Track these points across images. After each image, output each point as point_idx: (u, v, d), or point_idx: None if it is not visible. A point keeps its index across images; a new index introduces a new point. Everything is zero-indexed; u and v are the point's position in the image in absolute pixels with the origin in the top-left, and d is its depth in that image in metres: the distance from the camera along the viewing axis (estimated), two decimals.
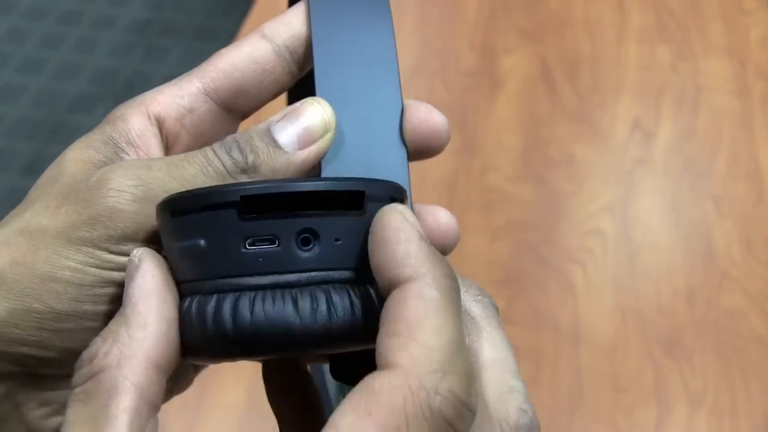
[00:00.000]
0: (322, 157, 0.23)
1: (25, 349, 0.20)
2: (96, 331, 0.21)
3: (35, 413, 0.21)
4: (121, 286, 0.20)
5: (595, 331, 0.64)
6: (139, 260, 0.19)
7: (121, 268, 0.20)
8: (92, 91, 1.93)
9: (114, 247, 0.20)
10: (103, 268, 0.20)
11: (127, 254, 0.20)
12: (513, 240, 0.70)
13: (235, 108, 0.25)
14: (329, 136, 0.22)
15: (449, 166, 0.75)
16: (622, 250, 0.69)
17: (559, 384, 0.61)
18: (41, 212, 0.21)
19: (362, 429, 0.16)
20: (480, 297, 0.22)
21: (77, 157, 0.22)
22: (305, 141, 0.22)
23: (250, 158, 0.21)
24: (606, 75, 0.84)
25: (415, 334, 0.17)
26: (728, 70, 0.84)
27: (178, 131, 0.24)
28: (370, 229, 0.19)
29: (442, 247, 0.25)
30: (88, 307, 0.20)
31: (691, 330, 0.64)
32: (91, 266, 0.20)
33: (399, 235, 0.19)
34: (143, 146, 0.23)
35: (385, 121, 0.25)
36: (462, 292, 0.22)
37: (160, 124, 0.24)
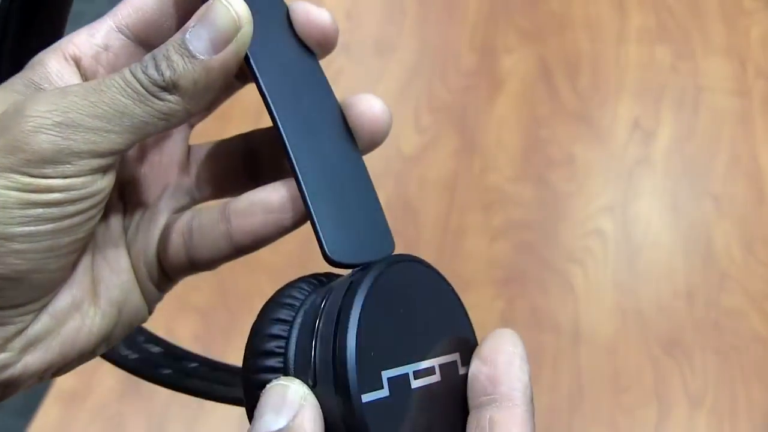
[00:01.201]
0: (243, 56, 0.22)
1: None
2: (26, 254, 0.21)
3: None
4: (44, 206, 0.21)
5: (595, 331, 0.64)
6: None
7: (42, 190, 0.20)
8: None
9: (33, 171, 0.20)
10: (25, 191, 0.20)
11: (47, 177, 0.20)
12: (513, 240, 0.70)
13: (149, 42, 0.24)
14: (245, 31, 0.22)
15: (449, 166, 0.75)
16: (622, 250, 0.69)
17: (559, 384, 0.61)
18: None
19: None
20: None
21: None
22: (219, 43, 0.21)
23: (167, 74, 0.21)
24: (606, 75, 0.84)
25: None
26: (728, 70, 0.84)
27: (96, 69, 0.24)
28: (491, 340, 0.22)
29: (375, 134, 0.25)
30: (14, 228, 0.20)
31: (691, 330, 0.64)
32: (11, 190, 0.20)
33: (520, 361, 0.22)
34: (64, 85, 0.23)
35: (330, 121, 0.25)
36: None
37: (77, 63, 0.24)
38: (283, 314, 0.21)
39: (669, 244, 0.70)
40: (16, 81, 0.23)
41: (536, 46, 0.87)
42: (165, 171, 0.27)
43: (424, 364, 0.21)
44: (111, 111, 0.21)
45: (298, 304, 0.21)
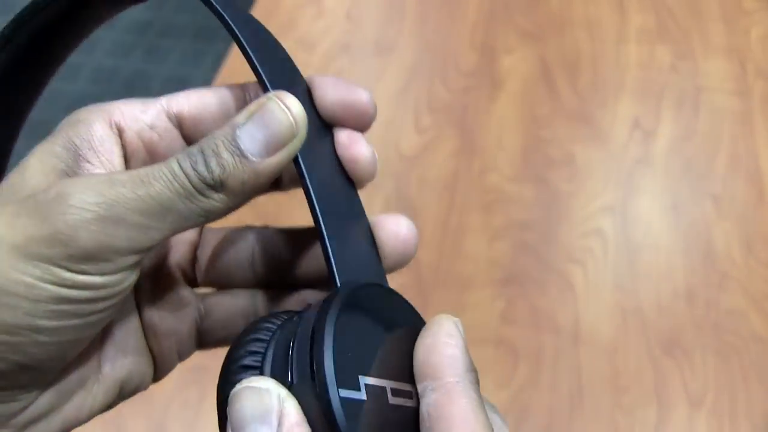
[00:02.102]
0: (292, 159, 0.21)
1: None
2: (48, 346, 0.20)
3: None
4: (76, 302, 0.20)
5: (595, 331, 0.64)
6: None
7: (79, 287, 0.20)
8: (92, 91, 1.93)
9: (73, 266, 0.20)
10: (61, 286, 0.20)
11: (85, 273, 0.20)
12: (513, 240, 0.70)
13: (194, 138, 0.24)
14: (300, 136, 0.21)
15: (449, 166, 0.75)
16: (622, 250, 0.69)
17: (559, 384, 0.61)
18: None
19: None
20: (495, 412, 0.24)
21: (38, 167, 0.21)
22: (273, 147, 0.21)
23: (217, 172, 0.20)
24: (606, 75, 0.84)
25: (469, 427, 0.19)
26: (728, 70, 0.84)
27: (137, 145, 0.23)
28: (424, 331, 0.21)
29: (402, 256, 0.26)
30: (43, 322, 0.20)
31: (691, 330, 0.64)
32: (47, 283, 0.19)
33: (450, 340, 0.21)
34: (105, 153, 0.22)
35: (363, 234, 0.25)
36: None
37: (120, 134, 0.23)
38: (259, 335, 0.21)
39: (669, 244, 0.70)
40: (56, 141, 0.22)
41: (536, 46, 0.87)
42: (177, 248, 0.27)
43: (404, 386, 0.21)
44: (156, 206, 0.20)
45: (273, 326, 0.21)
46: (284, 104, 0.21)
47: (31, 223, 0.19)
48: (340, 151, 0.24)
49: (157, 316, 0.26)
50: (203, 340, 0.27)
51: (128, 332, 0.25)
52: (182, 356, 0.27)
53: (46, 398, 0.22)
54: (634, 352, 0.63)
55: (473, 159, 0.76)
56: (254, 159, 0.20)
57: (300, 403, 0.19)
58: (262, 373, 0.20)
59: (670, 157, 0.76)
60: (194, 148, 0.21)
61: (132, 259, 0.20)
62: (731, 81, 0.83)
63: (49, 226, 0.19)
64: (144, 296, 0.26)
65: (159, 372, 0.27)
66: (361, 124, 0.25)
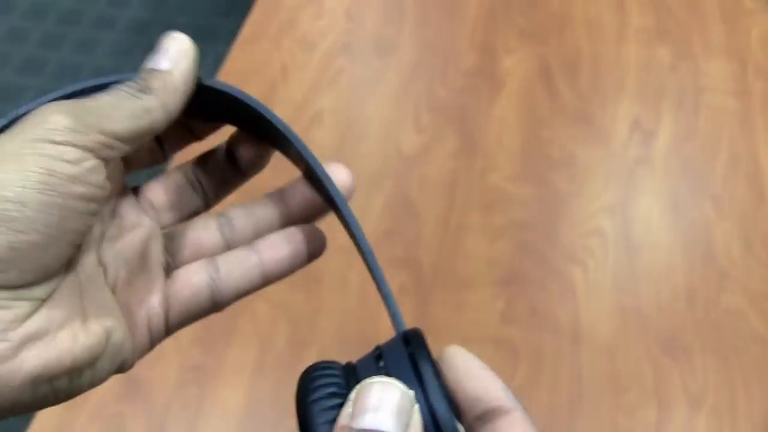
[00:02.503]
0: (195, 69, 0.28)
1: None
2: (36, 223, 0.22)
3: None
4: (68, 179, 0.23)
5: (595, 331, 0.64)
6: None
7: (63, 159, 0.23)
8: None
9: (58, 138, 0.23)
10: (46, 156, 0.23)
11: (68, 144, 0.23)
12: (513, 240, 0.70)
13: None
14: (192, 52, 0.28)
15: (449, 166, 0.75)
16: (622, 250, 0.69)
17: (559, 384, 0.61)
18: None
19: None
20: None
21: None
22: (174, 58, 0.28)
23: (141, 83, 0.27)
24: (606, 75, 0.84)
25: None
26: (728, 70, 0.84)
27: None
28: (450, 364, 0.24)
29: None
30: (31, 193, 0.22)
31: (691, 330, 0.64)
32: (34, 155, 0.23)
33: (487, 372, 0.24)
34: None
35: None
36: None
37: None
38: (328, 380, 0.23)
39: (669, 244, 0.70)
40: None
41: (536, 46, 0.87)
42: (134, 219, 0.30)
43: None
44: (107, 105, 0.25)
45: (336, 372, 0.24)
46: (171, 35, 0.28)
47: (18, 127, 0.24)
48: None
49: (127, 291, 0.28)
50: (171, 317, 0.30)
51: (104, 299, 0.27)
52: (153, 335, 0.29)
53: (39, 318, 0.23)
54: (634, 352, 0.63)
55: (473, 159, 0.76)
56: (164, 68, 0.27)
57: None
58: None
59: (670, 157, 0.76)
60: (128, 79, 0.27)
61: (102, 138, 0.24)
62: (731, 81, 0.83)
63: (32, 120, 0.24)
64: (113, 275, 0.28)
65: (135, 345, 0.29)
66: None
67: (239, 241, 0.31)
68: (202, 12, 2.06)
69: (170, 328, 0.30)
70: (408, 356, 0.23)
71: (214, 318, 0.68)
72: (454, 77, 0.84)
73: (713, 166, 0.76)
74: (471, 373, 0.24)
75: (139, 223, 0.30)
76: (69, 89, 0.28)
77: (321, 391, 0.22)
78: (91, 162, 0.24)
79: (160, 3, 2.14)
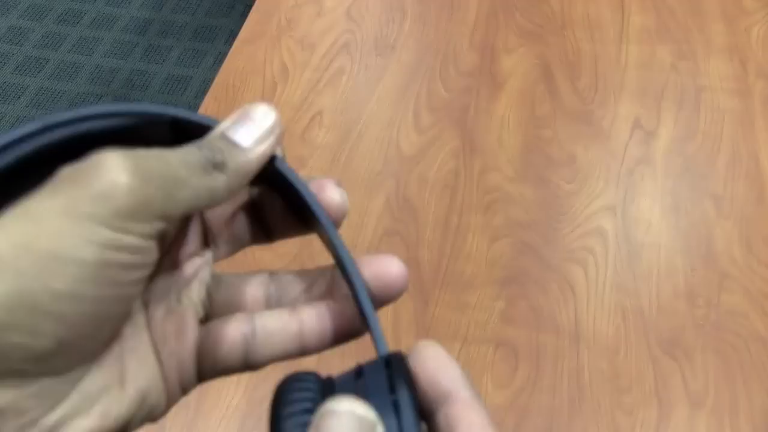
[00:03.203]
0: (276, 148, 0.26)
1: (15, 337, 0.20)
2: (93, 318, 0.21)
3: (10, 423, 0.21)
4: (117, 268, 0.21)
5: (596, 331, 0.64)
6: None
7: (124, 249, 0.21)
8: (92, 91, 1.93)
9: (118, 224, 0.21)
10: (106, 247, 0.21)
11: (129, 233, 0.21)
12: (513, 240, 0.70)
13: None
14: (278, 132, 0.26)
15: (449, 166, 0.75)
16: (622, 250, 0.69)
17: (559, 384, 0.61)
18: (38, 196, 0.21)
19: None
20: None
21: None
22: (259, 138, 0.25)
23: (219, 156, 0.24)
24: (606, 75, 0.84)
25: None
26: (729, 69, 0.84)
27: None
28: (419, 357, 0.23)
29: (392, 294, 0.27)
30: (88, 289, 0.20)
31: (691, 330, 0.64)
32: (93, 244, 0.20)
33: (451, 362, 0.23)
34: None
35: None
36: None
37: None
38: (303, 394, 0.23)
39: (669, 244, 0.70)
40: None
41: (536, 46, 0.87)
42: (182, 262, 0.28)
43: None
44: (175, 177, 0.23)
45: (311, 385, 0.23)
46: (263, 107, 0.26)
47: (73, 187, 0.21)
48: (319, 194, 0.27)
49: (161, 334, 0.26)
50: (202, 368, 0.28)
51: (142, 347, 0.26)
52: (184, 384, 0.27)
53: (74, 398, 0.22)
54: (635, 352, 0.63)
55: (473, 159, 0.76)
56: (245, 146, 0.25)
57: None
58: None
59: (670, 157, 0.76)
60: (195, 144, 0.24)
61: (161, 225, 0.22)
62: (731, 81, 0.83)
63: (92, 186, 0.21)
64: (151, 315, 0.27)
65: (168, 398, 0.27)
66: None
67: (282, 302, 0.29)
68: (202, 12, 2.06)
69: (200, 379, 0.28)
70: (387, 380, 0.22)
71: None
72: (454, 77, 0.84)
73: (713, 166, 0.76)
74: (432, 359, 0.23)
75: (197, 253, 0.28)
76: (85, 111, 0.25)
77: (295, 406, 0.22)
78: (150, 244, 0.22)
79: (160, 3, 2.14)
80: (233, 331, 0.27)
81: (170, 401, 0.27)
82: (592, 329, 0.64)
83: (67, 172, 0.22)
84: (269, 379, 0.61)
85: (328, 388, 0.23)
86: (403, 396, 0.22)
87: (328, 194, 0.27)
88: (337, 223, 0.27)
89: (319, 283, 0.29)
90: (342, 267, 0.26)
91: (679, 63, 0.85)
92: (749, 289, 0.66)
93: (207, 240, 0.29)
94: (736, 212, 0.72)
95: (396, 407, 0.21)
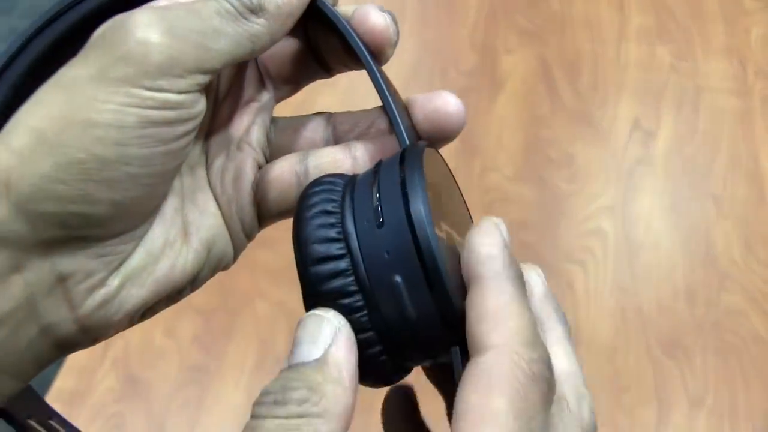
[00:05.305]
0: None
1: (72, 207, 0.20)
2: (145, 178, 0.21)
3: (80, 287, 0.21)
4: (160, 125, 0.21)
5: (595, 331, 0.64)
6: (339, 330, 0.21)
7: (161, 106, 0.21)
8: None
9: (150, 83, 0.20)
10: (143, 107, 0.20)
11: (162, 90, 0.21)
12: (513, 240, 0.70)
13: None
14: None
15: (449, 166, 0.75)
16: (622, 250, 0.69)
17: None
18: (70, 65, 0.21)
19: (491, 402, 0.19)
20: (557, 311, 0.26)
21: None
22: None
23: (254, 0, 0.23)
24: (606, 75, 0.84)
25: (502, 319, 0.20)
26: (728, 70, 0.84)
27: None
28: (468, 233, 0.23)
29: (448, 132, 0.28)
30: (133, 150, 0.20)
31: (691, 330, 0.64)
32: (130, 106, 0.20)
33: (486, 239, 0.22)
34: None
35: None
36: (545, 302, 0.26)
37: None
38: (328, 186, 0.23)
39: (669, 244, 0.70)
40: None
41: (536, 46, 0.87)
42: (241, 107, 0.27)
43: (455, 236, 0.23)
44: (209, 28, 0.22)
45: (338, 180, 0.23)
46: None
47: (103, 53, 0.21)
48: (355, 26, 0.26)
49: (221, 183, 0.26)
50: (262, 212, 0.27)
51: (205, 197, 0.26)
52: (246, 230, 0.27)
53: (138, 256, 0.23)
54: (634, 352, 0.63)
55: (473, 159, 0.76)
56: None
57: (391, 239, 0.21)
58: (343, 218, 0.22)
59: (670, 157, 0.76)
60: None
61: (201, 78, 0.22)
62: (731, 81, 0.83)
63: (120, 48, 0.20)
64: (210, 165, 0.26)
65: (234, 245, 0.27)
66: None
67: (339, 142, 0.28)
68: None
69: (262, 224, 0.28)
70: (397, 171, 0.22)
71: (214, 318, 0.68)
72: (454, 77, 0.84)
73: (713, 166, 0.76)
74: (476, 233, 0.23)
75: (255, 98, 0.27)
76: None
77: (318, 207, 0.22)
78: (191, 97, 0.21)
79: None
80: (287, 171, 0.27)
81: (237, 249, 0.27)
82: (592, 329, 0.64)
83: (96, 36, 0.21)
84: (269, 378, 0.61)
85: (349, 186, 0.23)
86: (410, 179, 0.21)
87: (372, 21, 0.26)
88: (383, 50, 0.27)
89: (377, 123, 0.29)
90: (382, 98, 0.26)
91: (678, 63, 0.85)
92: (749, 289, 0.66)
93: (264, 84, 0.28)
94: (736, 212, 0.72)
95: (402, 190, 0.21)
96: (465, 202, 0.27)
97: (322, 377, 0.20)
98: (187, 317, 0.64)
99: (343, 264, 0.21)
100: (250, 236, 0.27)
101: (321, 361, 0.20)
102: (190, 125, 0.22)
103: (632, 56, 0.86)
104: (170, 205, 0.24)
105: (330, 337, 0.21)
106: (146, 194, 0.22)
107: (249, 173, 0.26)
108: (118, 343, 0.62)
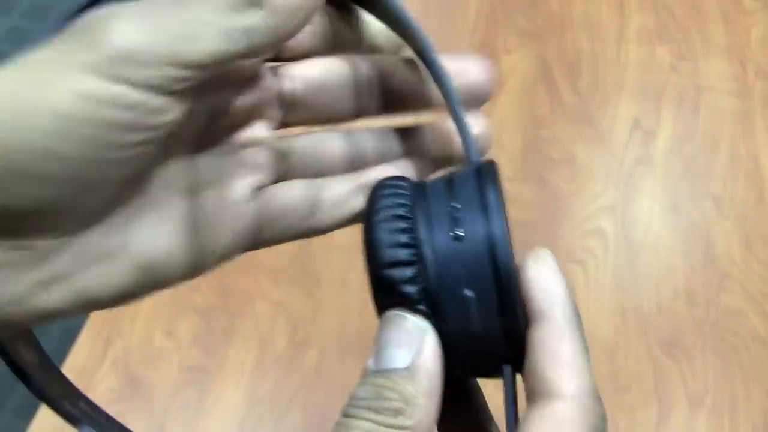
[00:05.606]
0: None
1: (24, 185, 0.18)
2: (83, 182, 0.19)
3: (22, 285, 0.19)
4: (118, 128, 0.18)
5: (596, 331, 0.64)
6: (424, 336, 0.21)
7: (117, 103, 0.18)
8: None
9: (111, 70, 0.18)
10: (90, 99, 0.18)
11: (125, 81, 0.18)
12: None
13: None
14: None
15: None
16: (622, 250, 0.69)
17: None
18: (44, 45, 0.19)
19: None
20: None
21: None
22: None
23: None
24: (606, 75, 0.84)
25: (577, 369, 0.21)
26: (728, 70, 0.84)
27: None
28: (534, 262, 0.24)
29: (476, 99, 0.28)
30: (71, 148, 0.18)
31: (691, 330, 0.64)
32: (74, 93, 0.18)
33: (553, 276, 0.24)
34: None
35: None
36: None
37: None
38: (396, 191, 0.23)
39: (669, 244, 0.70)
40: None
41: (536, 46, 0.87)
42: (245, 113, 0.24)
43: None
44: (195, 18, 0.19)
45: (405, 185, 0.23)
46: None
47: (76, 33, 0.18)
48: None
49: (205, 203, 0.23)
50: (261, 234, 0.25)
51: (169, 214, 0.23)
52: (226, 254, 0.24)
53: (64, 258, 0.20)
54: (634, 352, 0.63)
55: None
56: None
57: (470, 256, 0.22)
58: (415, 229, 0.22)
59: (670, 157, 0.76)
60: None
61: (173, 71, 0.19)
62: (731, 81, 0.83)
63: (87, 33, 0.18)
64: (196, 182, 0.24)
65: (197, 267, 0.24)
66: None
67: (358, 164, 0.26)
68: None
69: (248, 248, 0.25)
70: (477, 185, 0.23)
71: (214, 318, 0.68)
72: None
73: (713, 166, 0.76)
74: (532, 270, 0.24)
75: (267, 114, 0.24)
76: None
77: (387, 211, 0.22)
78: (157, 100, 0.19)
79: None
80: (297, 198, 0.25)
81: (199, 269, 0.24)
82: (592, 329, 0.64)
83: (79, 21, 0.19)
84: (269, 378, 0.61)
85: (418, 191, 0.23)
86: (492, 199, 0.22)
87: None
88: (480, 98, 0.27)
89: (394, 146, 0.27)
90: (430, 68, 0.27)
91: (678, 63, 0.85)
92: (749, 289, 0.66)
93: (283, 101, 0.25)
94: (736, 212, 0.72)
95: (484, 209, 0.22)
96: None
97: (414, 389, 0.20)
98: (187, 317, 0.64)
99: (415, 270, 0.21)
100: (226, 259, 0.24)
101: (412, 371, 0.20)
102: (151, 134, 0.19)
103: (632, 56, 0.86)
104: (120, 215, 0.21)
105: (418, 342, 0.21)
106: (85, 198, 0.19)
107: (240, 195, 0.24)
108: (118, 343, 0.62)
